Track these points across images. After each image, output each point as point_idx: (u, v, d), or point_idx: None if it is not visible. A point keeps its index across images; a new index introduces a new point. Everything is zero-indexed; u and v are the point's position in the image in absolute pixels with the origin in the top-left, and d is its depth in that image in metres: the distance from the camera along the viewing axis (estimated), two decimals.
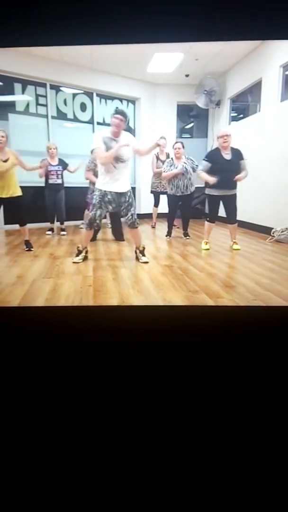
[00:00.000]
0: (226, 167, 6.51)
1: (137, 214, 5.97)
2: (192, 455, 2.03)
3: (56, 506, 1.83)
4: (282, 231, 7.37)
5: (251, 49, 8.51)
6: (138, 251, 6.03)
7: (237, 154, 6.57)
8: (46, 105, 9.52)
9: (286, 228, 7.32)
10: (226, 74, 9.90)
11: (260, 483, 1.90)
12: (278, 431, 2.14)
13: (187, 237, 7.86)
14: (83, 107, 10.09)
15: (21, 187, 6.72)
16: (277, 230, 7.43)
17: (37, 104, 9.41)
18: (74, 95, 9.95)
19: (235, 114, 10.43)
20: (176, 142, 7.71)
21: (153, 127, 10.89)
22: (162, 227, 8.69)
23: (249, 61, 8.81)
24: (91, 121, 10.16)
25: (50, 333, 2.83)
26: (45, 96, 9.47)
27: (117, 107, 5.72)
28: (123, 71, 9.95)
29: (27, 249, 6.60)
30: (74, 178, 8.24)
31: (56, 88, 9.61)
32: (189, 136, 11.96)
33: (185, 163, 7.49)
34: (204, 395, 2.34)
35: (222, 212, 6.90)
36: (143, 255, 5.98)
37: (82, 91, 10.01)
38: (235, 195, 6.68)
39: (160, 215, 9.00)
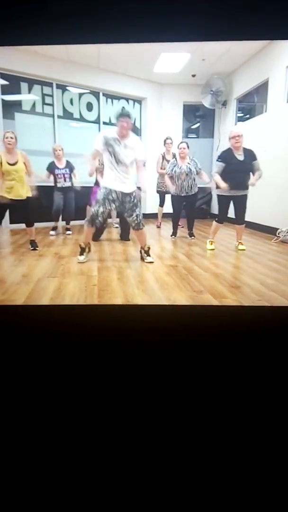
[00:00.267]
0: (239, 168, 6.49)
1: (143, 214, 5.94)
2: (194, 455, 2.03)
3: (56, 505, 1.83)
4: (287, 232, 7.36)
5: (258, 49, 8.49)
6: (143, 251, 6.01)
7: (250, 155, 6.53)
8: (52, 105, 9.52)
9: None
10: (232, 74, 9.88)
11: (260, 482, 1.90)
12: (282, 431, 2.14)
13: (193, 237, 7.83)
14: (89, 106, 10.09)
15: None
16: (283, 230, 7.41)
17: (44, 103, 9.41)
18: (81, 94, 9.95)
19: (242, 115, 10.40)
20: (181, 142, 7.68)
21: (159, 127, 10.88)
22: (167, 227, 8.68)
23: (256, 61, 8.79)
24: (97, 121, 10.14)
25: (54, 331, 2.84)
26: (52, 96, 9.47)
27: (123, 108, 5.63)
28: (129, 71, 9.94)
29: (32, 248, 6.60)
30: (79, 178, 8.15)
31: (62, 87, 9.60)
32: (195, 136, 11.93)
33: (188, 163, 7.47)
34: (207, 394, 2.33)
35: (231, 213, 6.88)
36: (148, 255, 5.95)
37: (88, 91, 10.00)
38: (246, 196, 6.65)
39: (165, 215, 8.99)
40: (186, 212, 7.95)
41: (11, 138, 6.37)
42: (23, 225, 6.81)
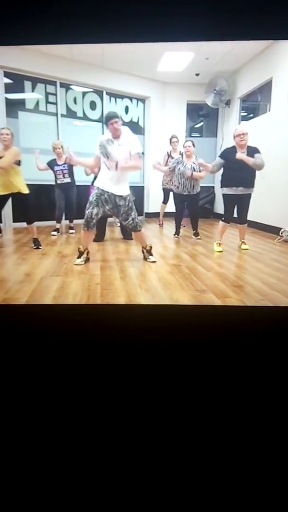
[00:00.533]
0: (242, 166, 6.45)
1: (146, 213, 5.95)
2: (195, 454, 2.04)
3: (55, 502, 1.83)
4: None
5: (262, 49, 8.48)
6: (145, 251, 5.99)
7: (253, 151, 6.50)
8: (56, 103, 9.52)
9: None
10: (236, 73, 9.88)
11: (260, 481, 1.90)
12: (285, 431, 2.14)
13: (198, 238, 7.79)
14: (92, 105, 10.09)
15: (30, 184, 6.72)
16: (286, 230, 7.41)
17: (47, 102, 9.42)
18: (84, 93, 9.95)
19: (245, 114, 10.38)
20: (187, 141, 7.67)
21: (163, 126, 10.89)
22: (170, 226, 8.67)
23: (260, 60, 8.78)
24: (100, 120, 10.11)
25: (56, 330, 2.84)
26: (55, 94, 9.48)
27: (109, 112, 5.54)
28: (133, 70, 9.94)
29: (35, 247, 6.60)
30: (82, 177, 8.17)
31: (66, 86, 9.61)
32: (198, 135, 11.92)
33: (194, 162, 7.46)
34: (209, 394, 2.34)
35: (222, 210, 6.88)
36: (151, 255, 5.94)
37: (92, 90, 10.01)
38: (250, 195, 6.61)
39: (168, 214, 8.97)
40: (189, 211, 7.93)
41: (7, 134, 6.40)
42: (26, 224, 6.79)
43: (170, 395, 2.34)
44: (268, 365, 2.52)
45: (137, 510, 1.83)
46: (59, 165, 7.87)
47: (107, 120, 5.59)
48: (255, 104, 10.19)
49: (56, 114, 9.59)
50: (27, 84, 9.07)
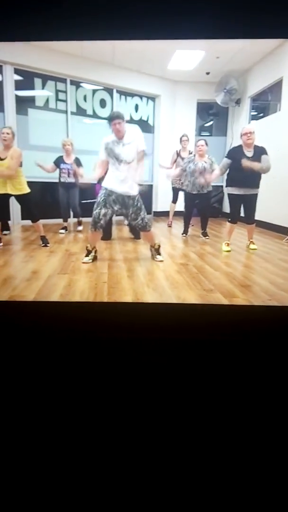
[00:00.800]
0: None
1: (154, 212, 5.91)
2: (196, 452, 2.04)
3: (55, 500, 1.84)
4: None
5: (273, 48, 8.46)
6: (153, 249, 5.96)
7: (259, 152, 6.44)
8: (65, 101, 9.52)
9: None
10: (247, 72, 9.86)
11: (260, 480, 1.90)
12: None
13: (207, 237, 7.75)
14: (102, 103, 10.09)
15: (37, 182, 6.73)
16: None
17: (57, 99, 9.41)
18: (94, 91, 9.95)
19: (255, 113, 10.37)
20: (200, 140, 7.60)
21: (173, 124, 10.88)
22: (178, 225, 8.67)
23: (271, 60, 8.76)
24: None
25: (60, 327, 2.85)
26: (65, 92, 9.48)
27: (113, 112, 5.48)
28: (143, 68, 9.94)
29: (43, 244, 6.59)
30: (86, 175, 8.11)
31: (76, 83, 9.61)
32: (208, 134, 11.90)
33: (205, 161, 7.43)
34: (210, 393, 2.34)
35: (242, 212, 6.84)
36: (159, 254, 5.91)
37: (102, 87, 10.01)
38: (256, 195, 6.56)
39: (176, 213, 8.97)
40: (199, 211, 7.90)
41: (7, 134, 6.34)
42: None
43: (173, 393, 2.34)
44: (272, 364, 2.52)
45: (136, 507, 1.83)
46: (66, 163, 7.79)
47: (110, 120, 5.56)
48: (265, 103, 10.18)
49: (66, 112, 9.58)
50: (37, 81, 9.07)
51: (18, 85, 8.72)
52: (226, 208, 8.78)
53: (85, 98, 9.83)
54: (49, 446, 2.05)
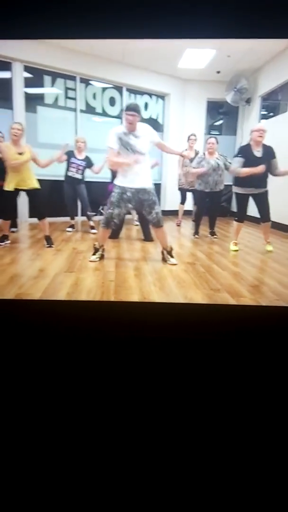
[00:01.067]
0: (256, 165, 6.37)
1: (162, 211, 5.86)
2: (196, 449, 2.04)
3: (54, 498, 1.84)
4: None
5: (284, 47, 8.40)
6: (165, 252, 5.86)
7: (268, 152, 6.37)
8: (75, 99, 9.49)
9: None
10: (257, 71, 9.81)
11: (260, 479, 1.90)
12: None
13: (215, 236, 7.70)
14: (112, 101, 10.06)
15: (44, 180, 6.71)
16: None
17: (66, 97, 9.38)
18: (104, 89, 9.92)
19: (265, 112, 10.33)
20: (210, 137, 7.54)
21: (182, 123, 10.85)
22: (187, 225, 8.64)
23: (282, 59, 8.72)
24: (119, 116, 10.07)
25: (69, 326, 2.86)
26: (75, 90, 9.45)
27: (130, 103, 5.41)
28: (153, 66, 9.90)
29: (47, 245, 6.51)
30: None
31: (85, 81, 9.57)
32: (218, 133, 11.86)
33: (217, 159, 7.38)
34: (210, 392, 2.34)
35: (249, 210, 6.80)
36: (171, 256, 5.81)
37: (111, 85, 9.97)
38: (266, 193, 6.50)
39: (184, 212, 8.93)
40: (208, 209, 7.84)
41: (18, 129, 6.33)
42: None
43: (174, 392, 2.35)
44: (275, 364, 2.51)
45: (136, 506, 1.83)
46: (78, 159, 7.74)
47: (126, 109, 5.52)
48: (275, 102, 10.14)
49: (75, 110, 9.56)
50: (47, 79, 9.05)
51: (28, 82, 8.70)
52: (235, 207, 8.75)
53: (94, 96, 9.81)
54: (54, 440, 2.06)
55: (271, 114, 10.32)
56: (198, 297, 4.26)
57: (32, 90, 8.92)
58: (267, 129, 6.44)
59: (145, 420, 2.21)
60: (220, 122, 11.93)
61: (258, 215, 6.67)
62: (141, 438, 2.12)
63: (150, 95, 10.62)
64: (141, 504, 1.84)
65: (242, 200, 6.62)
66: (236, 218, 6.74)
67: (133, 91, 10.29)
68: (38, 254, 6.00)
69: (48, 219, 6.65)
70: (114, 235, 7.06)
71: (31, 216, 8.08)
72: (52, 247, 6.49)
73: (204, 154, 7.52)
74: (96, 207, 7.99)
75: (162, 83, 10.54)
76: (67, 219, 8.12)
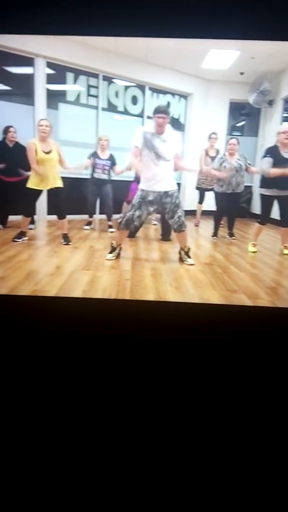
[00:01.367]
0: (285, 166, 6.32)
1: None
2: (195, 448, 2.04)
3: (54, 497, 1.84)
4: None
5: None
6: (182, 252, 5.82)
7: None
8: (97, 96, 9.48)
9: None
10: (281, 74, 9.76)
11: (260, 479, 1.89)
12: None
13: (233, 238, 7.66)
14: (134, 100, 10.03)
15: (67, 178, 6.70)
16: None
17: (88, 94, 9.36)
18: (126, 87, 9.89)
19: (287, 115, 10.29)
20: (232, 138, 7.49)
21: (204, 123, 10.81)
22: (205, 225, 8.60)
23: None
24: (141, 115, 10.07)
25: (86, 324, 2.86)
26: (97, 87, 9.43)
27: (160, 105, 5.35)
28: (177, 66, 9.88)
29: (65, 243, 6.49)
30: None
31: (108, 79, 9.56)
32: (239, 134, 11.83)
33: (238, 159, 7.32)
34: (214, 391, 2.33)
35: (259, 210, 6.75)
36: (189, 257, 5.77)
37: (134, 84, 9.95)
38: None
39: (203, 212, 8.89)
40: (227, 210, 7.77)
41: (46, 126, 6.30)
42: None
43: (174, 391, 2.35)
44: (273, 364, 2.51)
45: (136, 506, 1.83)
46: (101, 159, 7.69)
47: (157, 112, 5.45)
48: None
49: (97, 108, 9.54)
50: (69, 76, 9.04)
51: (50, 79, 8.71)
52: (254, 208, 8.69)
53: (116, 94, 9.79)
54: (50, 440, 2.06)
55: None
56: (214, 298, 4.25)
57: (54, 87, 8.93)
58: None
59: (154, 419, 2.21)
60: (242, 123, 11.89)
61: (278, 217, 6.61)
62: (144, 436, 2.12)
63: (173, 94, 10.59)
64: (141, 504, 1.83)
65: (268, 202, 6.55)
66: (259, 220, 6.68)
67: (156, 90, 10.26)
68: (55, 251, 6.01)
69: (69, 217, 6.65)
70: (131, 234, 7.02)
71: (49, 213, 8.07)
72: (69, 244, 6.48)
73: (224, 154, 7.47)
74: (118, 206, 7.95)
75: (185, 83, 10.51)
76: (85, 217, 8.09)
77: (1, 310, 3.19)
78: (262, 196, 6.63)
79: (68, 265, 5.27)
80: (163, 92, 10.38)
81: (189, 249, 5.82)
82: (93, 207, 8.09)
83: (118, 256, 5.71)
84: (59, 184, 6.49)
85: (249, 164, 7.25)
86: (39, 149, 6.29)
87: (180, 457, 2.03)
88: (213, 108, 10.94)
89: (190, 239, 7.10)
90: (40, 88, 8.51)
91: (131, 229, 5.83)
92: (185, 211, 7.30)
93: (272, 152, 6.44)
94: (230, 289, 4.53)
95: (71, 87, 9.11)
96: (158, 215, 7.56)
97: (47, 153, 6.26)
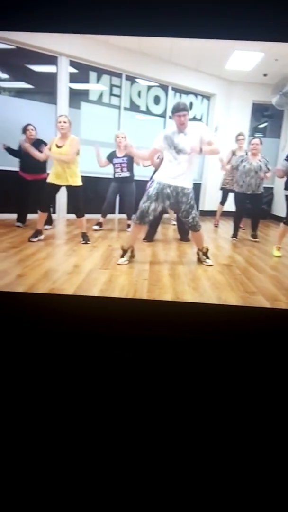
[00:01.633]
0: None
1: (201, 211, 5.81)
2: (194, 447, 2.04)
3: (53, 496, 1.84)
4: None
5: None
6: (201, 253, 5.76)
7: None
8: (119, 96, 9.49)
9: None
10: None
11: (259, 479, 1.89)
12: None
13: (256, 240, 7.60)
14: (156, 100, 10.02)
15: (89, 177, 6.71)
16: None
17: (111, 94, 9.37)
18: (149, 87, 9.88)
19: None
20: (254, 138, 7.49)
21: (226, 124, 10.79)
22: (225, 226, 8.56)
23: None
24: (163, 115, 10.06)
25: (106, 322, 2.86)
26: (120, 87, 9.44)
27: (178, 103, 5.28)
28: (201, 66, 9.87)
29: (83, 242, 6.48)
30: (140, 171, 8.02)
31: (131, 79, 9.56)
32: (261, 135, 11.78)
33: (260, 160, 7.28)
34: (214, 390, 2.33)
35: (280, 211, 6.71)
36: (207, 258, 5.72)
37: (157, 84, 9.94)
38: None
39: (223, 213, 8.83)
40: (251, 212, 7.76)
41: (64, 122, 6.31)
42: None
43: (175, 391, 2.35)
44: (270, 365, 2.51)
45: (136, 506, 1.83)
46: (118, 157, 7.64)
47: (175, 111, 5.43)
48: None
49: (119, 107, 9.55)
50: (92, 75, 9.05)
51: (73, 78, 8.73)
52: (275, 210, 8.65)
53: (139, 94, 9.78)
54: (50, 440, 2.07)
55: None
56: (232, 299, 4.24)
57: (76, 86, 8.95)
58: None
59: (160, 418, 2.22)
60: (265, 124, 11.85)
61: None
62: (146, 435, 2.13)
63: (196, 95, 10.57)
64: (141, 504, 1.83)
65: None
66: (284, 221, 6.60)
67: (179, 90, 10.24)
68: (74, 250, 6.02)
69: (86, 216, 6.65)
70: (149, 237, 6.99)
71: (69, 212, 8.07)
72: (88, 243, 6.47)
73: (246, 154, 7.43)
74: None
75: (208, 84, 10.49)
76: (109, 216, 8.02)
77: (20, 307, 3.20)
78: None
79: (86, 264, 5.27)
80: (186, 92, 10.37)
81: (207, 249, 5.77)
82: (110, 206, 8.00)
83: (130, 259, 5.58)
84: (77, 182, 6.48)
85: (269, 169, 7.20)
86: (54, 143, 6.35)
87: (180, 456, 2.03)
88: (236, 109, 10.92)
89: (209, 239, 7.10)
90: (63, 86, 8.54)
91: (145, 223, 5.72)
92: (205, 211, 7.27)
93: None
94: (248, 291, 4.51)
95: (94, 86, 9.13)
96: (175, 215, 7.51)
97: (60, 147, 6.27)
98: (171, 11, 2.53)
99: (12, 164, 7.13)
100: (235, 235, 7.69)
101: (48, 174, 6.51)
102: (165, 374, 2.43)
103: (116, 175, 7.71)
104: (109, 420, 2.21)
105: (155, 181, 5.60)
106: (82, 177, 6.58)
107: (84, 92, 9.10)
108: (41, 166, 6.72)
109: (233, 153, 8.38)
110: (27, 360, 2.50)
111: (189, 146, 5.44)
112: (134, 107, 9.78)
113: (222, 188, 8.64)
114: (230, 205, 7.93)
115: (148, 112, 9.98)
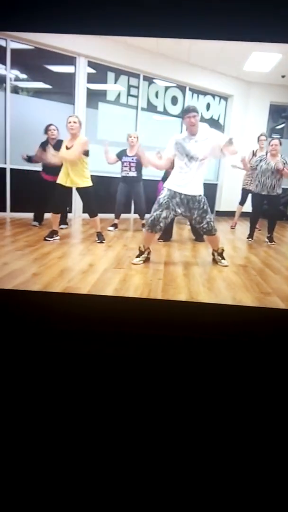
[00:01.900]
0: None
1: (217, 211, 5.80)
2: (195, 448, 2.04)
3: (53, 495, 1.84)
4: None
5: None
6: (216, 254, 5.70)
7: None
8: (137, 96, 9.50)
9: None
10: None
11: (259, 478, 1.89)
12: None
13: (273, 242, 7.50)
14: (174, 100, 10.02)
15: (101, 177, 6.71)
16: None
17: (128, 94, 9.39)
18: (167, 88, 9.90)
19: None
20: (274, 139, 7.45)
21: (244, 125, 10.77)
22: (241, 227, 8.54)
23: None
24: (180, 116, 10.03)
25: (121, 322, 2.86)
26: (137, 87, 9.45)
27: (188, 106, 5.26)
28: (219, 67, 9.86)
29: (98, 241, 6.48)
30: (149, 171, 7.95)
31: (149, 79, 9.57)
32: (279, 136, 11.76)
33: (278, 161, 7.24)
34: (214, 390, 2.33)
35: None
36: (223, 258, 5.67)
37: (175, 85, 9.95)
38: None
39: (241, 214, 8.79)
40: (267, 213, 7.71)
41: (74, 122, 6.27)
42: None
43: (175, 391, 2.35)
44: (270, 365, 2.51)
45: (136, 506, 1.83)
46: (128, 156, 7.61)
47: (184, 113, 5.38)
48: None
49: (137, 108, 9.57)
50: (110, 75, 9.08)
51: (91, 78, 8.76)
52: None
53: (156, 95, 9.80)
54: (51, 439, 2.07)
55: None
56: (247, 300, 4.21)
57: (94, 86, 8.97)
58: None
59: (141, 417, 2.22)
60: (282, 125, 11.82)
61: None
62: (137, 436, 2.13)
63: (213, 95, 10.56)
64: (141, 502, 1.83)
65: None
66: None
67: (196, 91, 10.24)
68: (89, 249, 6.03)
69: (101, 216, 6.66)
70: (166, 237, 6.93)
71: (84, 211, 8.09)
72: (103, 243, 6.48)
73: (266, 154, 7.40)
74: (151, 205, 7.92)
75: (226, 85, 10.48)
76: (124, 216, 8.02)
77: (35, 306, 3.21)
78: None
79: (101, 263, 5.28)
80: (203, 93, 10.37)
81: (223, 250, 5.71)
82: (121, 207, 7.95)
83: (147, 260, 5.55)
84: (85, 183, 6.46)
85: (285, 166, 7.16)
86: (64, 144, 6.37)
87: (179, 456, 2.02)
88: (254, 110, 10.91)
89: (226, 240, 7.08)
90: (81, 87, 8.57)
91: (156, 231, 5.59)
92: (221, 212, 7.27)
93: None
94: (263, 292, 4.49)
95: (112, 87, 9.15)
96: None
97: (69, 148, 6.27)
98: (192, 12, 2.53)
99: (30, 164, 7.17)
100: (251, 235, 7.68)
101: None
102: (179, 375, 2.42)
103: (123, 174, 7.70)
104: (114, 419, 2.21)
105: (165, 188, 5.51)
106: (97, 176, 6.57)
107: (101, 93, 9.13)
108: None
109: (254, 154, 8.35)
110: (40, 359, 2.51)
111: (201, 152, 5.36)
112: (151, 108, 9.79)
113: (243, 189, 8.62)
114: (247, 206, 7.91)
115: (165, 112, 9.99)
